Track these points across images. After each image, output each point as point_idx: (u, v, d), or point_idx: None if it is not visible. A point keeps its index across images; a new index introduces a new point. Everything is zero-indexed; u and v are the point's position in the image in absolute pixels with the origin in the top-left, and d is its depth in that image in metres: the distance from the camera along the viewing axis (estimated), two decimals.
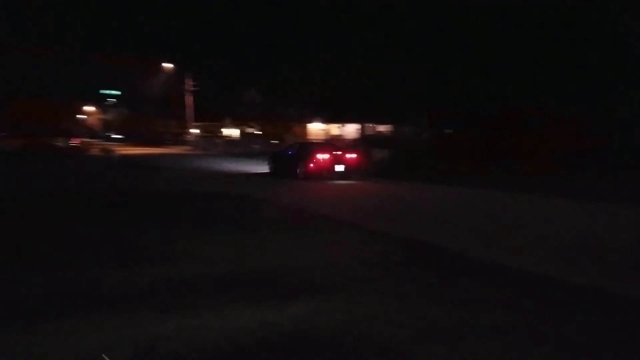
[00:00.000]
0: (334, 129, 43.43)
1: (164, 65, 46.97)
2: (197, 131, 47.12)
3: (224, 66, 46.34)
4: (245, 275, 4.94)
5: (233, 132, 53.73)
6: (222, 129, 54.87)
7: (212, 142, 42.14)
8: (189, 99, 44.29)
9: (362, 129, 36.91)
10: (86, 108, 73.60)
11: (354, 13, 29.76)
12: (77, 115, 73.58)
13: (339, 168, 16.06)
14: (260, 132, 40.57)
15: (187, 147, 43.18)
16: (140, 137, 50.98)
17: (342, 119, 39.18)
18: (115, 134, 58.81)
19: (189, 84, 43.71)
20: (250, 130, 45.45)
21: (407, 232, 7.44)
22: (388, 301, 4.24)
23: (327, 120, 43.43)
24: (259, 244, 6.34)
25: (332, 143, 21.31)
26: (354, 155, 16.71)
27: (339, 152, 16.56)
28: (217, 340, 3.32)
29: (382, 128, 41.40)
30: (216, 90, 48.02)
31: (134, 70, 50.68)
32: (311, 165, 15.85)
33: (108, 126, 70.15)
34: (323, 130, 46.44)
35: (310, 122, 44.13)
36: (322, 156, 15.99)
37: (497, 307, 4.15)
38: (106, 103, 70.75)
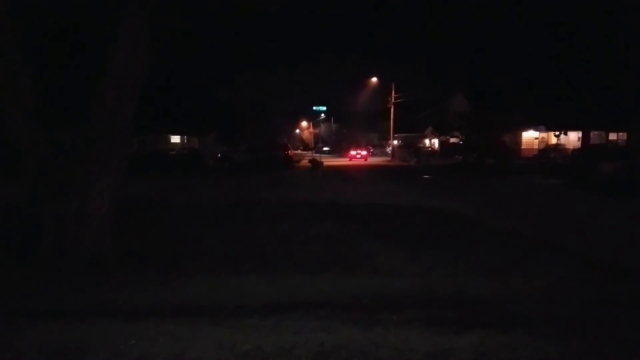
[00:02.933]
0: (552, 137, 39.38)
1: (371, 80, 49.44)
2: (396, 142, 48.24)
3: (430, 76, 46.05)
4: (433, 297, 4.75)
5: (434, 143, 52.93)
6: (425, 140, 54.68)
7: (409, 153, 42.62)
8: (390, 112, 45.48)
9: (583, 137, 32.49)
10: (303, 124, 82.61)
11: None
12: (296, 130, 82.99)
13: (359, 156, 43.54)
14: (461, 142, 38.95)
15: (386, 159, 44.88)
16: (344, 149, 54.67)
17: (563, 127, 34.93)
18: (324, 147, 64.34)
19: (391, 96, 44.91)
20: (453, 140, 44.28)
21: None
22: (595, 347, 3.48)
23: (547, 128, 39.40)
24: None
25: (364, 146, 49.15)
26: (365, 152, 44.95)
27: (360, 150, 45.19)
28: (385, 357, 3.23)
29: (614, 136, 36.04)
30: (421, 102, 48.18)
31: (343, 86, 54.60)
32: (349, 155, 44.45)
33: (319, 139, 77.19)
34: (537, 139, 42.11)
35: (524, 130, 40.78)
36: (353, 152, 44.54)
37: None
38: (319, 119, 78.05)
